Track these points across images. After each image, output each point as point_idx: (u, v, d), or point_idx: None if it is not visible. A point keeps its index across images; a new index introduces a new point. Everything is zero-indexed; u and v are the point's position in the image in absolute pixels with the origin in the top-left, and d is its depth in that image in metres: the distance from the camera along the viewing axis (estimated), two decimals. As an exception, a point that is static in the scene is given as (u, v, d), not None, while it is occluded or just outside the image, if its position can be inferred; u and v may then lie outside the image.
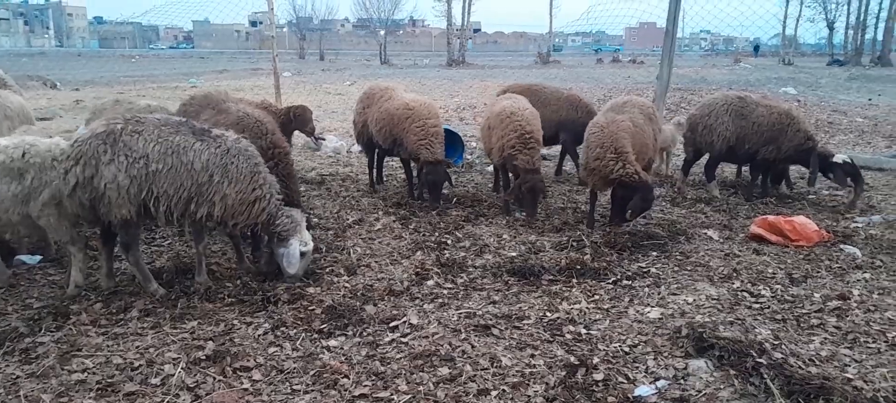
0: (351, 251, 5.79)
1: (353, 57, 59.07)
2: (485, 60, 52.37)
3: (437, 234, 6.32)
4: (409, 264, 5.46)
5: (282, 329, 4.17)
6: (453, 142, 9.61)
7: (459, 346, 3.96)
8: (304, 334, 4.10)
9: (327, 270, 5.27)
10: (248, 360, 3.76)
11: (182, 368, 3.62)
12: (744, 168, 9.08)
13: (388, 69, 39.81)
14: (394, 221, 6.74)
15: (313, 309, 4.48)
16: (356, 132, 8.28)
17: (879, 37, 53.93)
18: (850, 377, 3.58)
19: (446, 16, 50.10)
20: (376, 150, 8.07)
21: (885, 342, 4.05)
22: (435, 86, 24.31)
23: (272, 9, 14.54)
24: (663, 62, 10.91)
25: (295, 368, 3.69)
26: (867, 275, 5.27)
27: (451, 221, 6.77)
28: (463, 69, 40.48)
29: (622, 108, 6.69)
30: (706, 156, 8.25)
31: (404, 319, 4.33)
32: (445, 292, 4.87)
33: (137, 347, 3.90)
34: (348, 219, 6.81)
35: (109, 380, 3.53)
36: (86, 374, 3.59)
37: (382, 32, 58.84)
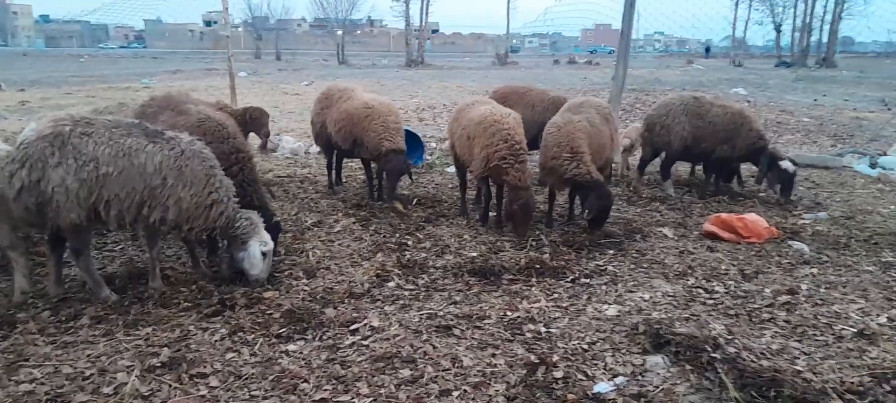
0: (310, 254, 5.72)
1: (310, 57, 58.50)
2: (444, 61, 52.49)
3: (397, 235, 6.30)
4: (369, 266, 5.43)
5: (239, 334, 4.10)
6: (413, 143, 9.60)
7: (421, 347, 3.96)
8: (262, 339, 4.04)
9: (286, 273, 5.20)
10: (204, 366, 3.68)
11: (136, 376, 3.53)
12: (697, 167, 9.31)
13: (346, 69, 39.56)
14: (354, 223, 6.70)
15: (271, 314, 4.41)
16: (314, 133, 8.19)
17: (824, 39, 56.08)
18: (800, 369, 3.70)
19: (404, 16, 50.12)
20: (335, 151, 8.00)
21: (831, 334, 4.20)
22: (394, 87, 24.26)
23: (227, 8, 14.28)
24: (619, 63, 11.11)
25: (253, 374, 3.63)
26: (815, 270, 5.46)
27: (412, 222, 6.76)
28: (422, 69, 40.51)
29: (579, 109, 6.77)
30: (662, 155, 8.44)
31: (365, 322, 4.31)
32: (407, 293, 4.86)
33: (89, 356, 3.79)
34: (307, 221, 6.74)
35: (59, 391, 3.41)
36: (34, 385, 3.46)
37: (340, 32, 58.46)
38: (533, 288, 4.95)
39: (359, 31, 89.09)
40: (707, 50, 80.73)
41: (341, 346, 3.98)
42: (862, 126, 15.24)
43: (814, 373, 3.65)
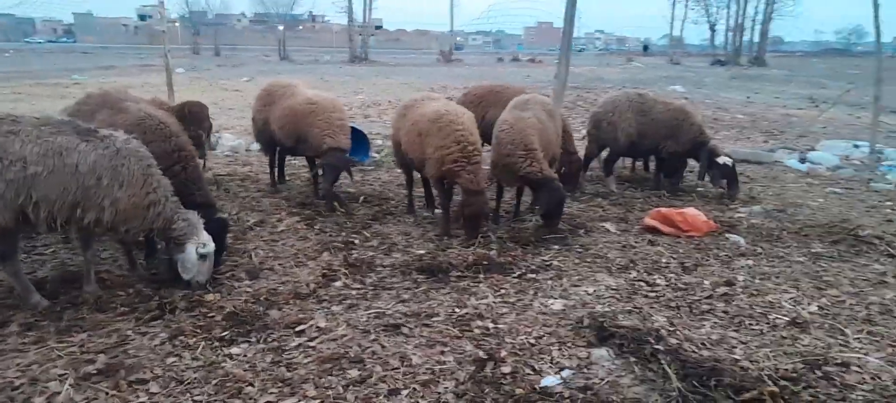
0: (252, 254, 5.60)
1: (250, 53, 57.26)
2: (388, 58, 52.20)
3: (344, 234, 6.23)
4: (315, 266, 5.35)
5: (180, 337, 3.97)
6: (359, 140, 9.51)
7: (369, 347, 3.92)
8: (204, 342, 3.92)
9: (227, 275, 5.07)
10: (144, 372, 3.55)
11: (70, 385, 3.37)
12: (638, 162, 9.56)
13: (287, 65, 38.93)
14: (298, 222, 6.58)
15: (213, 316, 4.29)
16: (256, 130, 8.01)
17: (756, 39, 58.47)
18: (738, 358, 3.83)
19: (347, 12, 49.66)
20: (278, 149, 7.85)
21: (766, 324, 4.36)
22: (338, 84, 24.00)
23: (162, 1, 13.83)
24: (561, 62, 11.25)
25: (195, 378, 3.52)
26: (750, 262, 5.66)
27: (359, 220, 6.69)
28: (366, 66, 40.24)
29: (526, 106, 6.81)
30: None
31: (311, 322, 4.24)
32: (354, 293, 4.81)
33: (18, 364, 3.60)
34: (249, 221, 6.58)
35: (-15, 403, 3.23)
36: (-43, 398, 3.27)
37: (281, 28, 57.44)
38: (481, 285, 4.97)
39: (300, 27, 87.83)
40: (645, 48, 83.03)
41: (287, 348, 3.90)
42: (791, 123, 15.92)
43: (751, 361, 3.79)
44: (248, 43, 75.12)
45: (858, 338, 4.16)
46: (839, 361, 3.81)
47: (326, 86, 22.27)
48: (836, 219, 6.99)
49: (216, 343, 3.93)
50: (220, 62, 41.48)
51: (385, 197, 7.77)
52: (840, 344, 4.06)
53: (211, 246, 4.66)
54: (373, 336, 4.06)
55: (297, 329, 4.15)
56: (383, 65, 42.31)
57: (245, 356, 3.80)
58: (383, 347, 3.93)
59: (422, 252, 5.76)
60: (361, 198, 7.62)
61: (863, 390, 3.52)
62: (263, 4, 64.33)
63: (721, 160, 7.85)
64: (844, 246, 6.13)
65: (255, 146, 9.85)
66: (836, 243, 6.20)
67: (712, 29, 64.90)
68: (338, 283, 4.98)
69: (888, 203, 8.00)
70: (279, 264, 5.39)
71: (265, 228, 6.38)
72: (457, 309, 4.49)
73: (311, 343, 3.97)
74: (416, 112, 6.51)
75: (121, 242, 4.98)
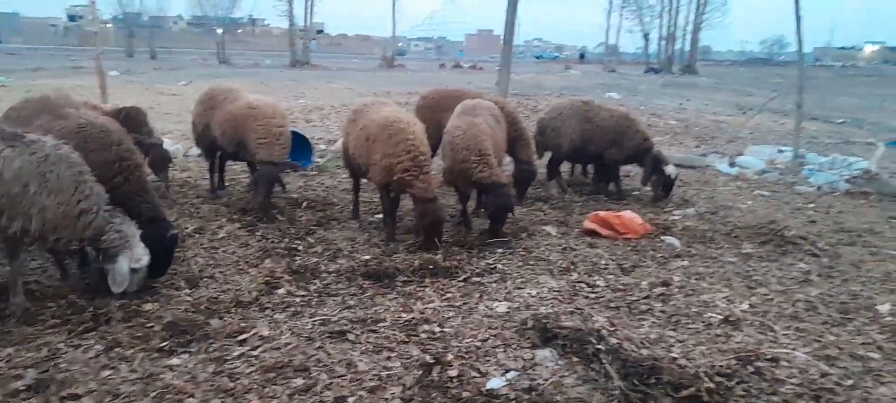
0: (192, 262, 5.44)
1: (188, 56, 55.64)
2: (330, 62, 51.70)
3: (287, 240, 6.14)
4: (257, 273, 5.25)
5: (116, 349, 3.84)
6: (301, 145, 9.39)
7: (314, 355, 3.88)
8: (142, 354, 3.80)
9: (166, 283, 4.92)
10: (77, 387, 3.41)
11: (-4, 403, 3.21)
12: (577, 167, 9.77)
13: (227, 69, 38.02)
14: (239, 228, 6.44)
15: (152, 327, 4.16)
16: (196, 135, 7.82)
17: (687, 48, 60.73)
18: (676, 356, 3.96)
19: (288, 15, 48.95)
20: (219, 154, 7.68)
21: (702, 322, 4.54)
22: (279, 88, 23.61)
23: (93, 1, 13.33)
24: (502, 68, 11.43)
25: (133, 391, 3.41)
26: (685, 263, 5.88)
27: (302, 226, 6.61)
28: (308, 70, 39.74)
29: (475, 111, 6.83)
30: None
31: (254, 331, 4.16)
32: (298, 300, 4.75)
33: (-62, 383, 3.40)
34: (188, 228, 6.39)
35: None
36: None
37: (220, 31, 56.12)
38: (427, 289, 4.99)
39: (240, 30, 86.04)
40: (581, 56, 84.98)
41: (229, 358, 3.82)
42: (721, 128, 16.58)
43: (688, 359, 3.93)
44: (185, 46, 72.87)
45: (787, 334, 4.37)
46: (769, 357, 3.99)
47: (268, 90, 21.88)
48: (764, 221, 7.32)
49: (155, 355, 3.81)
50: (157, 65, 40.12)
51: (329, 202, 7.69)
52: (770, 341, 4.26)
53: (145, 261, 4.47)
54: (318, 344, 4.02)
55: (239, 338, 4.07)
56: (325, 69, 41.87)
57: (185, 367, 3.70)
58: (329, 354, 3.89)
59: (367, 257, 5.73)
60: (304, 203, 7.53)
61: (791, 383, 3.70)
62: (201, 7, 62.72)
63: (667, 170, 8.07)
64: (772, 246, 6.43)
65: (194, 151, 9.61)
66: (765, 243, 6.50)
67: (646, 38, 67.04)
68: (281, 290, 4.90)
69: (810, 205, 8.43)
70: (220, 272, 5.26)
71: (205, 235, 6.22)
72: (403, 314, 4.49)
73: (254, 353, 3.90)
74: (365, 117, 6.42)
75: (51, 251, 4.77)
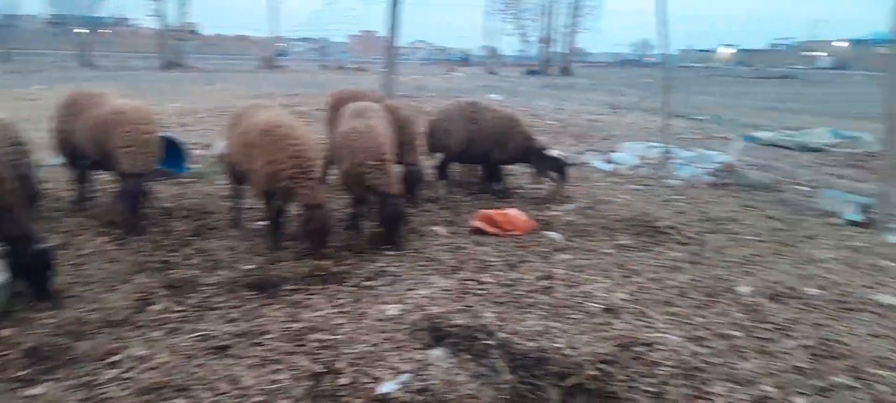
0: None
1: (48, 58, 51.20)
2: (206, 63, 49.42)
3: (161, 253, 5.77)
4: (129, 289, 4.89)
5: (-35, 384, 3.44)
6: (175, 151, 8.89)
7: (195, 372, 3.67)
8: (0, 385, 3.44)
9: (24, 306, 4.48)
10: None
11: None
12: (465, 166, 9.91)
13: (91, 72, 35.32)
14: (108, 242, 5.99)
15: (9, 354, 3.78)
16: (58, 143, 7.16)
17: (564, 50, 63.54)
18: (561, 346, 4.11)
19: (159, 14, 46.32)
20: (83, 163, 7.10)
21: (584, 312, 4.73)
22: (151, 91, 22.24)
23: (-71, -4, 11.95)
24: (387, 71, 11.40)
25: (-14, 429, 3.07)
26: (567, 256, 6.11)
27: (178, 237, 6.24)
28: (182, 72, 37.78)
29: (367, 113, 6.69)
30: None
31: (127, 351, 3.88)
32: (175, 315, 4.47)
33: None
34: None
35: None
36: None
37: (83, 31, 52.17)
38: (315, 297, 4.86)
39: (106, 30, 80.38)
40: (463, 58, 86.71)
41: (99, 382, 3.54)
42: (596, 127, 17.42)
43: (572, 348, 4.08)
44: (44, 47, 66.95)
45: (661, 319, 4.64)
46: (646, 341, 4.23)
47: (138, 94, 20.55)
48: (638, 213, 7.76)
49: (14, 385, 3.47)
50: (11, 68, 36.56)
51: (207, 210, 7.32)
52: (646, 326, 4.51)
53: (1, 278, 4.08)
54: (199, 361, 3.81)
55: (110, 359, 3.78)
56: (201, 71, 39.98)
57: (50, 395, 3.39)
58: (211, 371, 3.70)
59: (250, 266, 5.51)
60: (180, 213, 7.12)
61: (667, 365, 3.93)
62: (60, 4, 57.85)
63: (551, 153, 8.34)
64: (645, 237, 6.83)
65: (55, 160, 8.82)
66: (639, 235, 6.89)
67: (525, 41, 69.42)
68: (156, 306, 4.60)
69: (679, 197, 9.04)
70: (87, 290, 4.86)
71: (69, 251, 5.71)
72: (291, 324, 4.35)
73: (128, 374, 3.63)
74: (246, 121, 6.12)
75: None
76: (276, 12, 52.77)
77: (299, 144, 5.70)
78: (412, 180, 7.58)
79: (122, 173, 6.25)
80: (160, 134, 6.93)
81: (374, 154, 6.08)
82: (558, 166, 8.49)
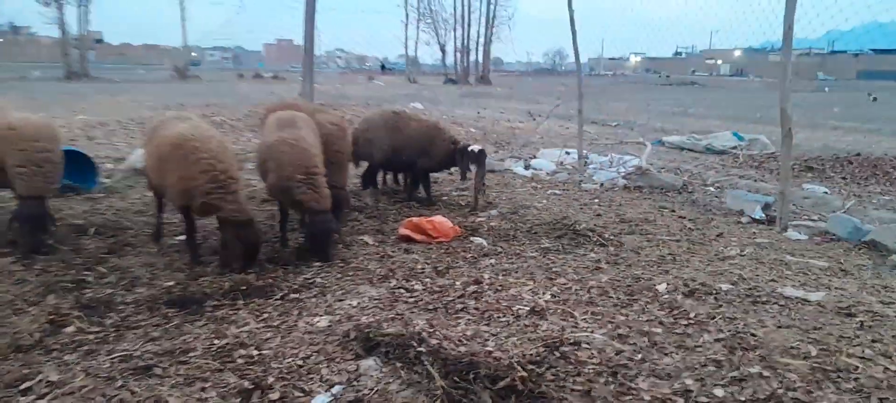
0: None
1: (-70, 68, 47.48)
2: (113, 74, 47.19)
3: (73, 272, 5.48)
4: (38, 311, 4.62)
5: None
6: (84, 165, 8.47)
7: (116, 395, 3.50)
8: None
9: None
10: None
11: None
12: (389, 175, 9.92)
13: (-17, 82, 33.01)
14: (12, 263, 5.63)
15: None
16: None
17: (480, 59, 64.64)
18: (491, 349, 4.18)
19: (59, 23, 43.83)
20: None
21: (512, 315, 4.83)
22: (53, 103, 21.01)
23: None
24: (305, 79, 11.27)
25: None
26: (493, 261, 6.22)
27: (91, 255, 5.95)
28: (87, 83, 35.92)
29: (295, 124, 6.52)
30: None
31: (40, 377, 3.66)
32: (91, 337, 4.26)
33: None
34: (-55, 268, 5.47)
35: None
36: None
37: (-28, 39, 48.64)
38: (240, 312, 4.74)
39: (1, 40, 75.36)
40: (382, 66, 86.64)
41: (11, 411, 3.33)
42: (515, 134, 17.85)
43: (502, 351, 4.16)
44: (-72, 57, 61.89)
45: (585, 319, 4.80)
46: (572, 341, 4.36)
47: (38, 106, 19.37)
48: (558, 217, 8.00)
49: None
50: None
51: (121, 227, 7.00)
52: (571, 326, 4.65)
53: None
54: (119, 383, 3.64)
55: (21, 387, 3.56)
56: (107, 81, 38.15)
57: (-48, 430, 3.16)
58: (133, 393, 3.54)
59: (170, 283, 5.31)
60: (92, 229, 6.78)
61: (592, 364, 4.07)
62: (-57, 10, 53.81)
63: (471, 147, 8.37)
64: (566, 239, 7.04)
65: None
66: (560, 238, 7.10)
67: (443, 50, 70.13)
68: (69, 329, 4.36)
69: (596, 200, 9.38)
70: (-10, 314, 4.56)
71: (-33, 274, 5.35)
72: (216, 341, 4.22)
73: (42, 401, 3.43)
74: (159, 134, 5.87)
75: None
76: (187, 21, 50.84)
77: (211, 157, 5.41)
78: (337, 204, 7.01)
79: (18, 195, 5.87)
80: (64, 148, 6.58)
81: (302, 167, 5.91)
82: (477, 158, 8.36)
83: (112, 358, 3.94)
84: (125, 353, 4.01)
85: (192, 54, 62.21)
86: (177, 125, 5.90)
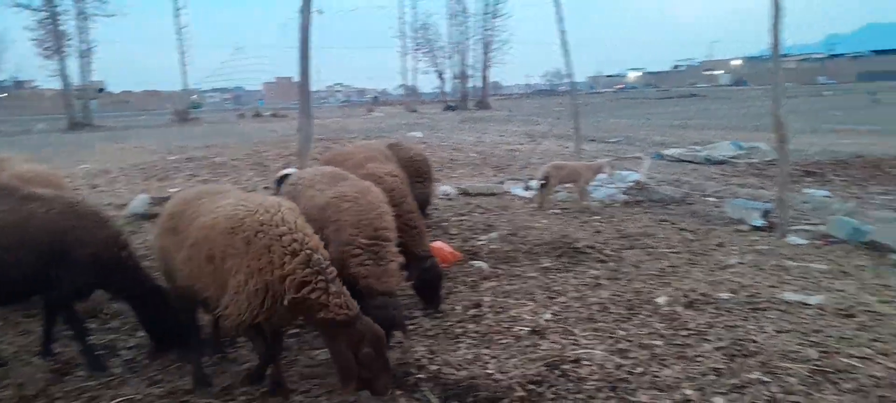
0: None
1: (-62, 125, 48.09)
2: (115, 121, 47.72)
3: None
4: (42, 361, 4.66)
5: None
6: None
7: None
8: None
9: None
10: None
11: None
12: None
13: (-11, 138, 33.42)
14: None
15: None
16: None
17: (479, 85, 65.13)
18: (491, 371, 4.20)
19: (61, 75, 44.39)
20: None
21: (512, 337, 4.85)
22: (58, 154, 21.26)
23: None
24: (302, 115, 11.35)
25: None
26: (493, 283, 6.24)
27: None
28: (90, 132, 36.29)
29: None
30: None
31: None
32: (94, 383, 4.28)
33: None
34: None
35: None
36: None
37: (-24, 96, 49.32)
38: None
39: (3, 95, 76.50)
40: (374, 99, 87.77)
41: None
42: (515, 156, 17.87)
43: (502, 372, 4.18)
44: (-68, 115, 62.76)
45: (585, 336, 4.81)
46: (573, 358, 4.37)
47: (43, 157, 19.60)
48: (558, 236, 8.01)
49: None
50: None
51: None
52: (572, 344, 4.66)
53: None
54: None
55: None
56: (110, 129, 38.53)
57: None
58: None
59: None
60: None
61: (593, 380, 4.08)
62: (-54, 69, 54.63)
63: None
64: (566, 258, 7.06)
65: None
66: (560, 256, 7.12)
67: (441, 78, 70.70)
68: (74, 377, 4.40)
69: (596, 217, 9.39)
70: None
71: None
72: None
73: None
74: (196, 220, 3.85)
75: None
76: (186, 65, 51.50)
77: (295, 229, 3.63)
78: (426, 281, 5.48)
79: None
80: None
81: (368, 230, 4.62)
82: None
83: (115, 403, 3.97)
84: (129, 398, 4.05)
85: (193, 97, 62.80)
86: (221, 201, 3.96)
